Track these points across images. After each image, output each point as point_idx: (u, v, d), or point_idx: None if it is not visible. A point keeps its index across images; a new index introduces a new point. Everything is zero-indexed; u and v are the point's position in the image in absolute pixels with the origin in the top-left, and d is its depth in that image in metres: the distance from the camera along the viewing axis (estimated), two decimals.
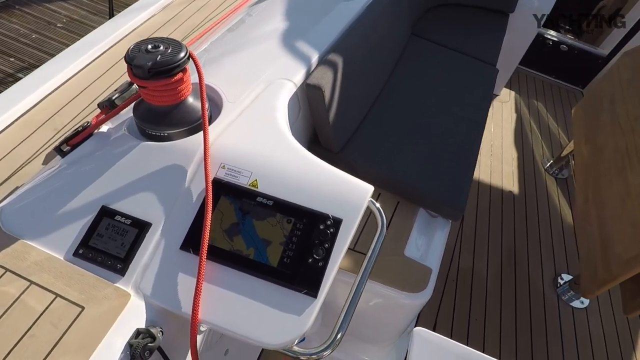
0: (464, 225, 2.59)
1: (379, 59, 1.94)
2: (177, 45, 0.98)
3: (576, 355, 2.17)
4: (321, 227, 0.95)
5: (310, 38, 1.53)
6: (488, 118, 3.50)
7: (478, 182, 2.93)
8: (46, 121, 1.33)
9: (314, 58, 1.45)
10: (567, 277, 2.50)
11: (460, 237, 2.51)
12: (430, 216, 1.69)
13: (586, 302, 2.40)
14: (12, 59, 3.63)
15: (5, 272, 0.89)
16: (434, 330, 2.06)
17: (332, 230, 0.94)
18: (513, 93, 3.88)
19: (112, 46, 1.67)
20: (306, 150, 1.08)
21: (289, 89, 1.29)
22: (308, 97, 1.42)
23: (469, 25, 2.77)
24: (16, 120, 1.31)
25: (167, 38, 0.99)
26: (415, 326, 2.00)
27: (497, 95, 3.76)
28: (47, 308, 0.85)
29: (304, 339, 0.89)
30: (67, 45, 3.94)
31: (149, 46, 0.96)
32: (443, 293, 2.21)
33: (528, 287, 2.41)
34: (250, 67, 1.32)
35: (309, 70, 1.42)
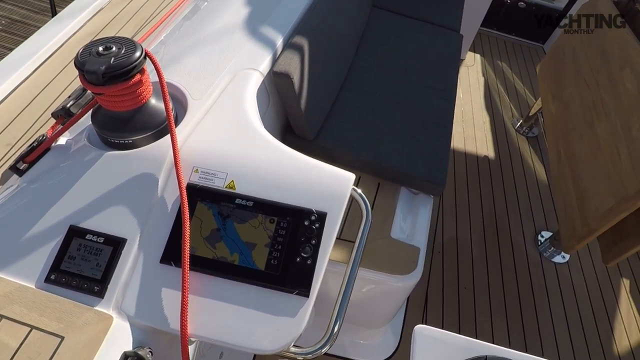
0: (443, 196, 2.61)
1: (344, 35, 1.88)
2: (130, 44, 0.90)
3: (562, 308, 2.26)
4: (306, 223, 0.91)
5: (272, 21, 1.46)
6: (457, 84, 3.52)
7: (453, 150, 2.95)
8: None
9: (279, 43, 1.38)
10: (547, 235, 2.57)
11: (442, 208, 2.54)
12: (412, 194, 1.68)
13: (567, 256, 2.49)
14: None
15: None
16: (425, 304, 2.09)
17: (317, 225, 0.91)
18: (478, 56, 3.90)
19: (59, 47, 1.55)
20: (281, 144, 1.04)
21: (255, 79, 1.23)
22: (277, 85, 1.36)
23: None
24: None
25: (120, 37, 0.91)
26: (406, 304, 2.03)
27: (463, 60, 3.77)
28: (22, 343, 0.79)
29: (300, 335, 0.87)
30: (10, 49, 3.70)
31: (100, 48, 0.88)
32: (431, 266, 2.24)
33: (511, 248, 2.47)
34: (213, 59, 1.25)
35: (275, 57, 1.36)
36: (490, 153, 3.02)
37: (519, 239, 2.53)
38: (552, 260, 2.47)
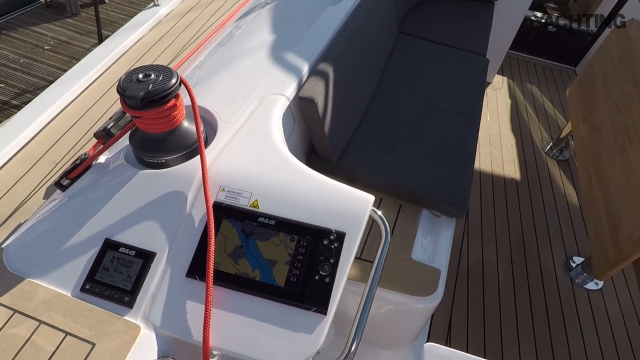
0: (469, 219, 2.58)
1: (369, 61, 1.93)
2: (167, 72, 0.97)
3: (596, 338, 2.15)
4: (325, 242, 0.94)
5: (300, 48, 1.52)
6: (483, 107, 3.49)
7: (479, 172, 2.92)
8: (44, 154, 1.33)
9: (305, 69, 1.44)
10: (578, 260, 2.48)
11: (467, 231, 2.50)
12: (434, 216, 1.68)
13: (600, 283, 2.39)
14: (1, 85, 3.65)
15: (14, 313, 0.89)
16: (449, 327, 2.05)
17: (336, 244, 0.94)
18: (506, 79, 3.87)
19: (104, 72, 1.67)
20: (304, 165, 1.08)
21: (282, 103, 1.29)
22: (302, 109, 1.42)
23: (455, 18, 2.78)
24: (15, 155, 1.31)
25: (158, 65, 0.99)
26: (430, 326, 2.00)
27: (490, 83, 3.75)
28: (57, 347, 0.85)
29: (318, 352, 0.89)
30: (56, 67, 3.98)
31: (140, 75, 0.95)
32: (455, 289, 2.21)
33: (540, 273, 2.39)
34: (242, 84, 1.32)
35: (301, 82, 1.42)
36: (518, 176, 2.97)
37: (548, 264, 2.45)
38: (585, 286, 2.37)
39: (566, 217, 2.73)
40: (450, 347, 1.22)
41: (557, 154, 3.16)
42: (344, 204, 0.99)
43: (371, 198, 1.01)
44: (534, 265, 2.42)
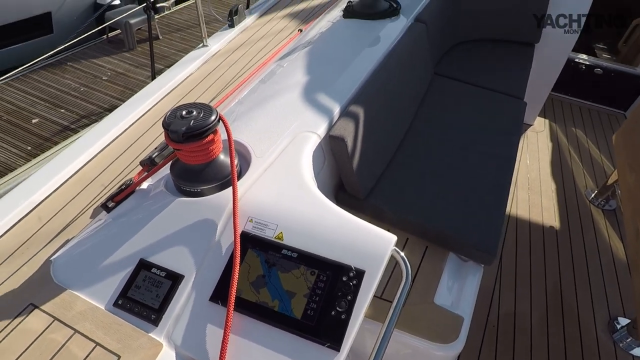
0: (502, 265, 2.48)
1: (401, 102, 1.99)
2: (208, 110, 1.07)
3: None
4: (344, 278, 0.97)
5: (334, 89, 1.61)
6: (522, 150, 3.41)
7: (516, 218, 2.83)
8: (95, 178, 1.46)
9: (337, 109, 1.52)
10: (624, 321, 2.30)
11: (499, 278, 2.41)
12: (461, 261, 1.66)
13: None
14: (62, 110, 4.05)
15: (54, 320, 0.98)
16: None
17: (354, 282, 0.96)
18: (547, 121, 3.78)
19: (154, 105, 1.83)
20: (329, 202, 1.12)
21: (313, 141, 1.36)
22: (332, 147, 1.48)
23: (492, 60, 2.79)
24: (70, 177, 1.45)
25: (200, 103, 1.10)
26: None
27: (531, 125, 3.67)
28: (87, 356, 0.92)
29: None
30: (111, 96, 4.38)
31: (184, 112, 1.06)
32: (483, 340, 2.11)
33: (579, 332, 2.24)
34: (277, 121, 1.41)
35: (332, 122, 1.49)
36: (558, 224, 2.84)
37: (588, 322, 2.29)
38: (630, 352, 2.19)
39: (611, 272, 2.57)
40: None
41: (602, 202, 3.01)
42: (365, 242, 1.01)
43: (393, 238, 1.03)
44: (572, 322, 2.27)
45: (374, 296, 0.97)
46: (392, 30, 2.09)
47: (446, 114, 2.22)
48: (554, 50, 3.08)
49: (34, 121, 3.92)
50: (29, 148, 3.64)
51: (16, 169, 3.35)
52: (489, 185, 1.82)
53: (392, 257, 1.03)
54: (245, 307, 0.97)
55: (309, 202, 1.12)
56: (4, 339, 0.95)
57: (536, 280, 2.45)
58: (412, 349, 1.38)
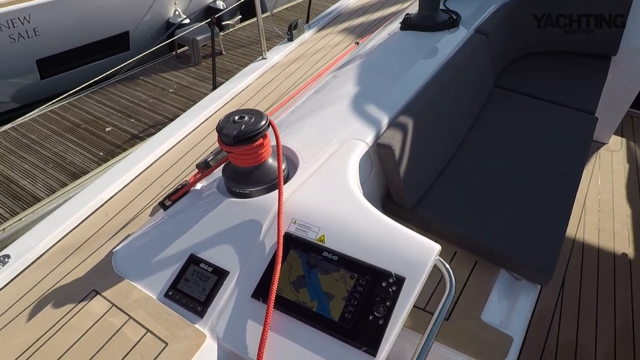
0: (564, 290, 2.30)
1: (455, 114, 1.94)
2: (259, 115, 1.13)
3: None
4: (383, 284, 0.96)
5: (385, 99, 1.62)
6: (593, 170, 3.15)
7: (582, 242, 2.61)
8: (156, 179, 1.57)
9: (386, 119, 1.52)
10: None
11: (560, 304, 2.22)
12: (514, 278, 1.56)
13: None
14: (132, 120, 4.40)
15: (112, 306, 1.06)
16: None
17: (394, 288, 0.95)
18: (625, 140, 3.46)
19: (213, 114, 1.94)
20: (372, 207, 1.12)
21: (360, 148, 1.37)
22: (379, 155, 1.48)
23: (560, 73, 2.62)
24: (135, 178, 1.57)
25: (252, 109, 1.15)
26: None
27: (605, 144, 3.39)
28: (139, 341, 0.98)
29: None
30: (177, 108, 4.69)
31: (236, 117, 1.12)
32: None
33: None
34: (326, 129, 1.44)
35: (381, 131, 1.49)
36: (632, 252, 2.58)
37: None
38: None
39: None
40: None
41: None
42: (408, 250, 1.00)
43: (437, 247, 1.00)
44: None
45: (417, 307, 0.95)
46: (450, 42, 2.06)
47: (505, 127, 2.13)
48: (634, 62, 2.83)
49: (107, 129, 4.29)
50: (101, 154, 3.99)
51: (89, 172, 3.68)
52: (549, 201, 1.71)
53: (436, 268, 1.00)
54: (284, 305, 0.98)
55: (352, 206, 1.13)
56: (70, 319, 1.04)
57: (603, 309, 2.23)
58: None
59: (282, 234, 1.05)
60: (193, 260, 1.11)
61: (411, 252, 0.99)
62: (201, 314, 1.03)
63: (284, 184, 1.17)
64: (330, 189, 1.19)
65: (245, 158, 1.14)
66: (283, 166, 1.19)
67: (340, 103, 1.59)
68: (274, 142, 1.21)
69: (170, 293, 1.07)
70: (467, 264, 1.55)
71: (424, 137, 1.62)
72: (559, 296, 2.25)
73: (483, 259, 1.56)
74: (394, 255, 0.99)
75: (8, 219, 3.23)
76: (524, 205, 1.69)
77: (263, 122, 1.10)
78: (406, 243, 1.01)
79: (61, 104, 4.58)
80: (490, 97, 2.34)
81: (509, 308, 1.44)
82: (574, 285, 2.32)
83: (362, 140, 1.40)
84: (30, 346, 0.99)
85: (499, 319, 1.39)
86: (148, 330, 1.00)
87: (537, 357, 1.96)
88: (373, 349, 0.89)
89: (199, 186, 1.33)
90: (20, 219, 3.18)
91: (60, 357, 0.96)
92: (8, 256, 1.23)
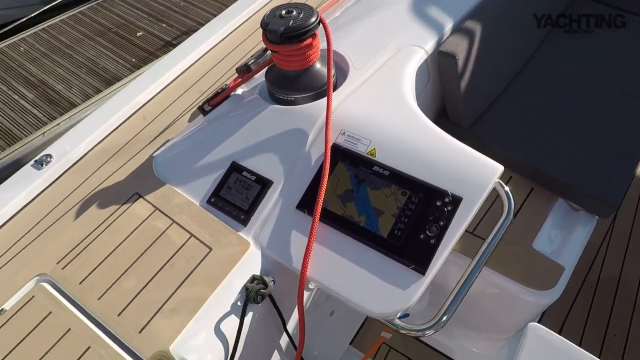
0: (615, 224, 2.18)
1: (525, 29, 1.68)
2: (309, 10, 0.99)
3: None
4: (438, 203, 0.89)
5: (447, 3, 1.41)
6: None
7: None
8: (194, 84, 1.49)
9: (449, 24, 1.33)
10: None
11: (609, 237, 2.12)
12: (571, 209, 1.46)
13: None
14: (163, 25, 4.20)
15: (155, 210, 1.05)
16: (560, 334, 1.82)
17: (449, 208, 0.88)
18: None
19: (252, 15, 1.78)
20: (430, 122, 1.02)
21: (419, 56, 1.22)
22: (439, 65, 1.32)
23: None
24: (171, 82, 1.50)
25: (301, 4, 1.01)
26: None
27: None
28: (184, 244, 0.98)
29: (407, 315, 0.87)
30: (210, 13, 4.38)
31: (283, 12, 0.99)
32: (576, 297, 1.92)
33: None
34: (381, 33, 1.28)
35: (442, 38, 1.31)
36: None
37: None
38: None
39: None
40: None
41: None
42: (467, 168, 0.91)
43: (500, 168, 0.91)
44: None
45: (465, 231, 0.88)
46: None
47: (582, 44, 1.85)
48: None
49: (138, 34, 4.14)
50: (134, 60, 3.89)
51: (122, 79, 3.63)
52: (624, 130, 1.53)
53: (494, 190, 0.92)
54: (330, 218, 0.94)
55: (407, 119, 1.02)
56: (116, 219, 1.05)
57: None
58: (500, 289, 1.29)
59: (329, 145, 0.97)
60: (235, 168, 1.07)
61: (470, 171, 0.91)
62: (244, 222, 1.00)
63: (333, 91, 1.06)
64: (383, 99, 1.08)
65: (292, 60, 1.03)
66: (332, 72, 1.07)
67: (397, 3, 1.40)
68: (323, 46, 1.08)
69: (212, 200, 1.05)
70: (523, 190, 1.45)
71: (490, 49, 1.43)
72: (609, 230, 2.14)
73: (540, 187, 1.46)
74: (452, 174, 0.91)
75: (47, 124, 3.28)
76: (595, 131, 1.52)
77: (313, 19, 0.97)
78: (466, 161, 0.92)
79: (90, 4, 4.41)
80: (569, 6, 1.99)
81: (564, 238, 1.37)
82: (626, 221, 2.19)
83: (421, 47, 1.24)
84: (79, 243, 1.01)
85: (551, 248, 1.32)
86: (192, 235, 0.99)
87: (577, 287, 1.93)
88: (422, 267, 0.85)
89: (239, 91, 1.24)
90: (59, 124, 3.22)
91: (109, 255, 0.98)
92: (50, 156, 1.22)
